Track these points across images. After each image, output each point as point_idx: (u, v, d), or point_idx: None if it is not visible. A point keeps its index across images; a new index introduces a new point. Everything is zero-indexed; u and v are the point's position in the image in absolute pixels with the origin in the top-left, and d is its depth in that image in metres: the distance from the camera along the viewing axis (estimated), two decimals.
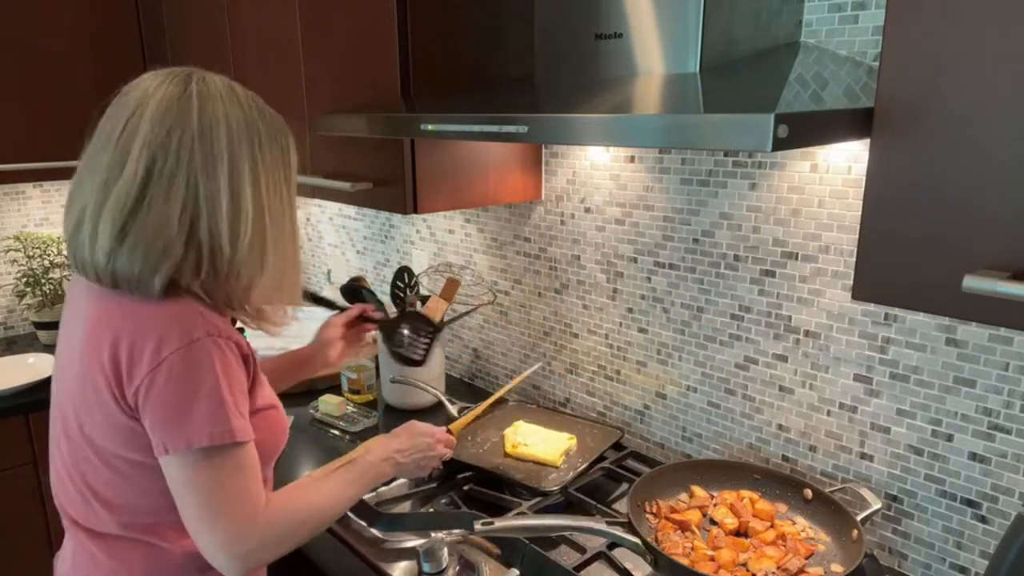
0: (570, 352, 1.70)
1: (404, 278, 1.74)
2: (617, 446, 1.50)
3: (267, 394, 1.04)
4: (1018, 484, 1.06)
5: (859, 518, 1.13)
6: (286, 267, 1.01)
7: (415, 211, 1.48)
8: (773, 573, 1.07)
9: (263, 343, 2.02)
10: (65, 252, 0.96)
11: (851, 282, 1.03)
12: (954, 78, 0.71)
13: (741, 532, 1.19)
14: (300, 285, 1.07)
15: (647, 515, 1.23)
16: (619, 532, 1.12)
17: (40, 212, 2.56)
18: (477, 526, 1.13)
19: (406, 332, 1.57)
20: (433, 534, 1.23)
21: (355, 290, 1.76)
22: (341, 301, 1.57)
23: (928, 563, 1.18)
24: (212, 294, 0.95)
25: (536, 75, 1.26)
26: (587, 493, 1.35)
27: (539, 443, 1.45)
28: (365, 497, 1.33)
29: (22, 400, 2.03)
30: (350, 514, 1.32)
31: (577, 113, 0.92)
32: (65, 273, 2.45)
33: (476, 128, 1.04)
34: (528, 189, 1.65)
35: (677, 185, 1.40)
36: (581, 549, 1.22)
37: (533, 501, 1.31)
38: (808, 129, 0.77)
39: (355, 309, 1.45)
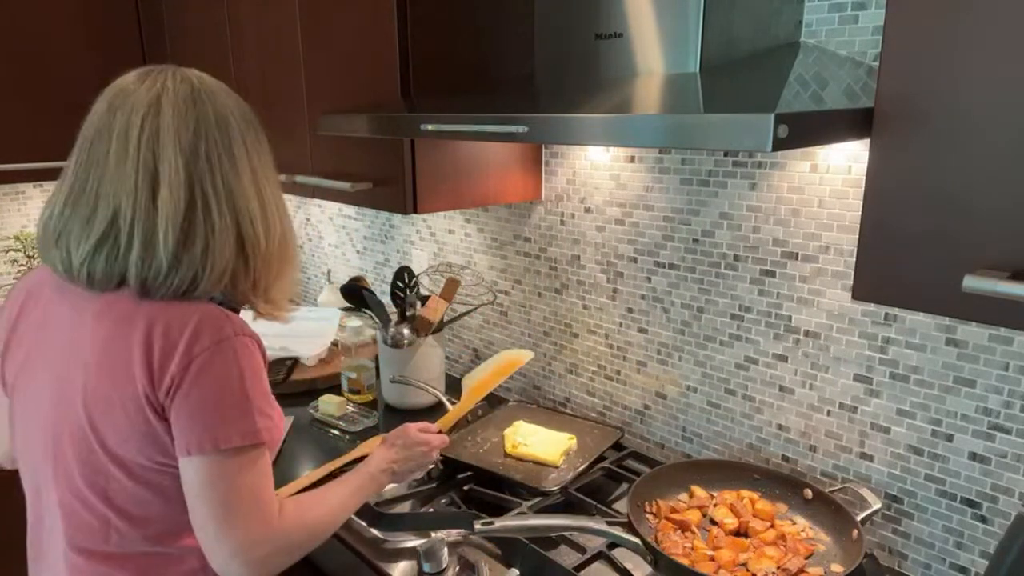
0: (570, 352, 1.70)
1: (404, 278, 1.74)
2: (617, 446, 1.50)
3: None
4: (1018, 484, 1.06)
5: (859, 518, 1.13)
6: (296, 251, 1.05)
7: (415, 211, 1.48)
8: (773, 573, 1.07)
9: (263, 343, 2.02)
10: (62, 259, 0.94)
11: (851, 282, 1.03)
12: (954, 78, 0.71)
13: (741, 532, 1.19)
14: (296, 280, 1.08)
15: (647, 515, 1.23)
16: (619, 532, 1.13)
17: (40, 212, 2.56)
18: (477, 526, 1.13)
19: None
20: (433, 534, 1.23)
21: (355, 290, 1.77)
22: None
23: (928, 563, 1.18)
24: (232, 291, 0.96)
25: (536, 75, 1.26)
26: (587, 493, 1.35)
27: (539, 443, 1.45)
28: None
29: None
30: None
31: (577, 113, 0.92)
32: None
33: (476, 128, 1.05)
34: (528, 189, 1.65)
35: (677, 185, 1.40)
36: (581, 549, 1.22)
37: (533, 501, 1.31)
38: (808, 129, 0.77)
39: (433, 426, 1.30)
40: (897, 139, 0.76)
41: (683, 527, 1.19)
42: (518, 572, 1.16)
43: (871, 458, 1.22)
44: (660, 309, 1.48)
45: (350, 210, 2.34)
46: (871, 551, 1.22)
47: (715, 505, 1.24)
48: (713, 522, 1.21)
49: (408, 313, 1.74)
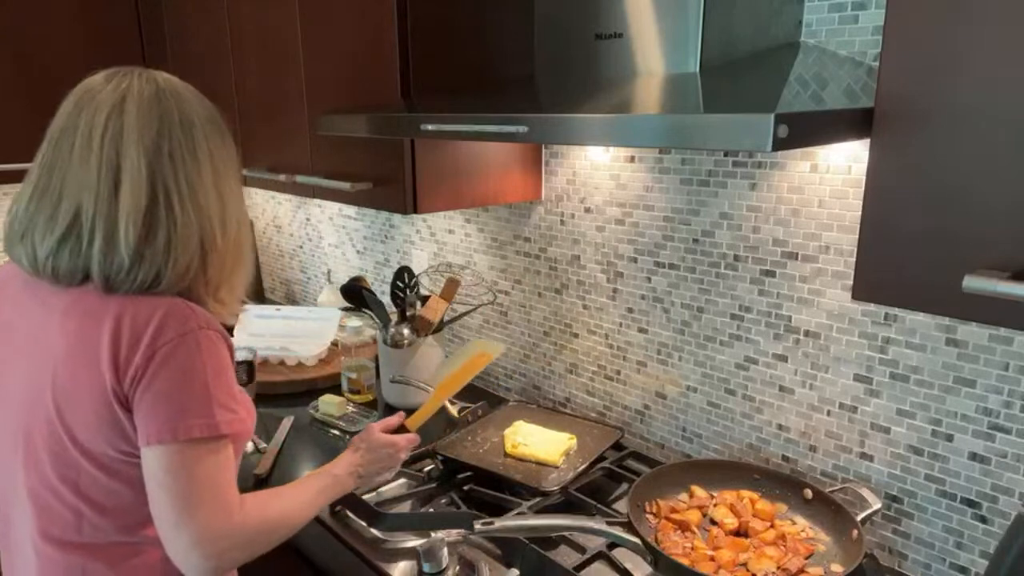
0: (570, 352, 1.70)
1: (404, 278, 1.74)
2: (617, 446, 1.50)
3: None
4: (1018, 484, 1.06)
5: (859, 518, 1.13)
6: (248, 254, 1.07)
7: (415, 211, 1.48)
8: (773, 573, 1.07)
9: (263, 343, 2.02)
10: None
11: (851, 282, 1.03)
12: (954, 78, 0.71)
13: (741, 532, 1.19)
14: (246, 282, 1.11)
15: (647, 515, 1.23)
16: (619, 532, 1.13)
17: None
18: (477, 526, 1.13)
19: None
20: (433, 534, 1.23)
21: (355, 290, 1.77)
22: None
23: (928, 563, 1.18)
24: (191, 287, 0.98)
25: (536, 75, 1.26)
26: (587, 493, 1.35)
27: (539, 443, 1.45)
28: (365, 497, 1.33)
29: None
30: (350, 514, 1.32)
31: (577, 113, 0.92)
32: None
33: (476, 128, 1.05)
34: (528, 189, 1.65)
35: (677, 185, 1.40)
36: (581, 549, 1.22)
37: (533, 501, 1.31)
38: (808, 129, 0.77)
39: (395, 418, 1.32)
40: (897, 139, 0.76)
41: (683, 527, 1.19)
42: (518, 572, 1.16)
43: (871, 458, 1.22)
44: (660, 309, 1.48)
45: (350, 210, 2.34)
46: (871, 551, 1.22)
47: (715, 505, 1.24)
48: (713, 522, 1.21)
49: (408, 313, 1.74)
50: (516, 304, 1.81)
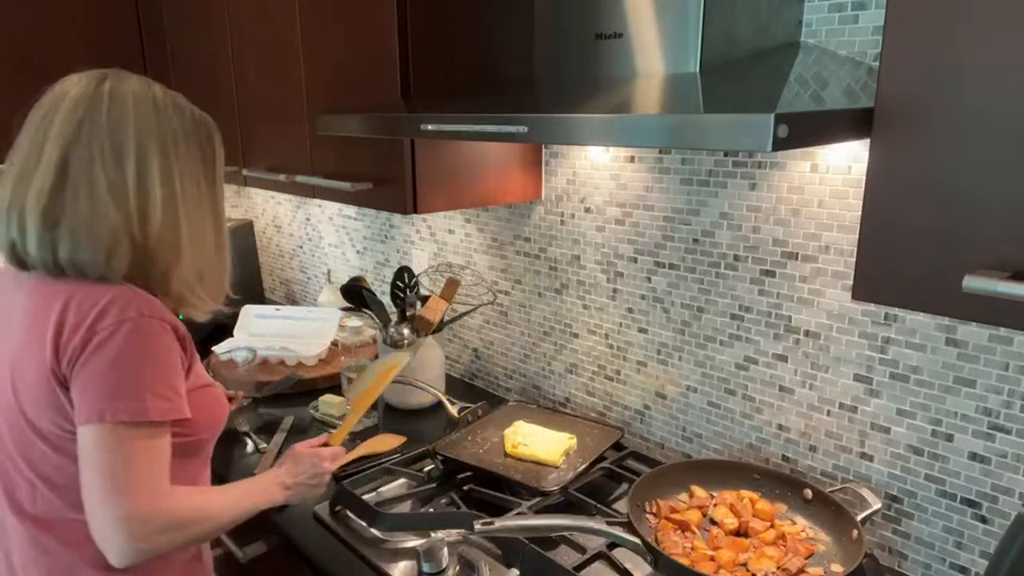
0: (570, 352, 1.70)
1: (404, 278, 1.74)
2: (617, 446, 1.50)
3: (203, 373, 1.09)
4: (1018, 484, 1.06)
5: (859, 518, 1.13)
6: (207, 259, 1.07)
7: (415, 211, 1.48)
8: (773, 573, 1.07)
9: (263, 343, 2.02)
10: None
11: (851, 282, 1.03)
12: (954, 78, 0.71)
13: (741, 532, 1.19)
14: (225, 281, 1.12)
15: (647, 515, 1.23)
16: (619, 532, 1.13)
17: None
18: (477, 526, 1.13)
19: None
20: (433, 534, 1.23)
21: (355, 290, 1.77)
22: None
23: (928, 563, 1.18)
24: (140, 278, 1.00)
25: (536, 75, 1.26)
26: (587, 493, 1.35)
27: (539, 443, 1.45)
28: (365, 497, 1.33)
29: None
30: (350, 514, 1.32)
31: (577, 113, 0.92)
32: None
33: (476, 128, 1.05)
34: (528, 189, 1.65)
35: (677, 185, 1.40)
36: (581, 549, 1.22)
37: (533, 501, 1.31)
38: (808, 129, 0.77)
39: (319, 439, 1.33)
40: (897, 139, 0.76)
41: (683, 527, 1.19)
42: (518, 572, 1.16)
43: (871, 458, 1.22)
44: (660, 309, 1.48)
45: (350, 210, 2.34)
46: (871, 551, 1.22)
47: (715, 505, 1.24)
48: (713, 522, 1.21)
49: (408, 313, 1.74)
50: (516, 304, 1.82)
